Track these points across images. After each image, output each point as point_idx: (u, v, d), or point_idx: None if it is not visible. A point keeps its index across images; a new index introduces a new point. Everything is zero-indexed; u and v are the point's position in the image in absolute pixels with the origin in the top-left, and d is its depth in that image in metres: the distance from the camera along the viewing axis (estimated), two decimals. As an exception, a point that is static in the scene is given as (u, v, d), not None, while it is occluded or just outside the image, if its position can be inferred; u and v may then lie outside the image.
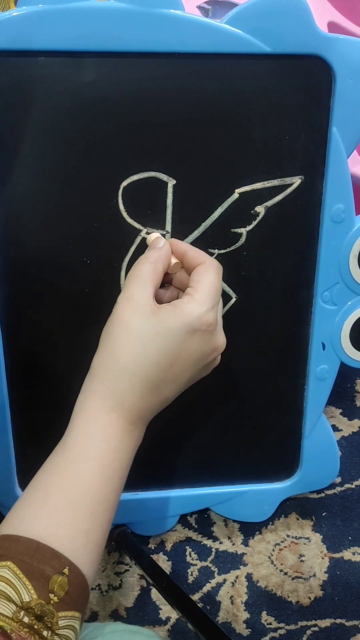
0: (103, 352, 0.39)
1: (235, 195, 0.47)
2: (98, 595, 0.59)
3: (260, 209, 0.47)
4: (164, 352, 0.38)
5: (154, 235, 0.44)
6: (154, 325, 0.38)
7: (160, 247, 0.42)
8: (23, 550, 0.32)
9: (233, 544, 0.62)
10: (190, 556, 0.61)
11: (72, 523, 0.34)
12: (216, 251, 0.48)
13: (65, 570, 0.32)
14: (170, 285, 0.44)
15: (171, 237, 0.47)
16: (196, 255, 0.42)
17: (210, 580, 0.60)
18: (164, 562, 0.61)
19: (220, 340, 0.41)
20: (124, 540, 0.58)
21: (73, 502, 0.34)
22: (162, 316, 0.38)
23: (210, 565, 0.61)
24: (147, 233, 0.47)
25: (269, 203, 0.47)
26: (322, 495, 0.64)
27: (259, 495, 0.58)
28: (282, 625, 0.59)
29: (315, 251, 0.49)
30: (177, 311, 0.38)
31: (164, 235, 0.47)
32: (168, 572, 0.60)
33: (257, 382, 0.54)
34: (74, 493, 0.34)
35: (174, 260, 0.43)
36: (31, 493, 0.35)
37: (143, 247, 0.47)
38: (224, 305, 0.50)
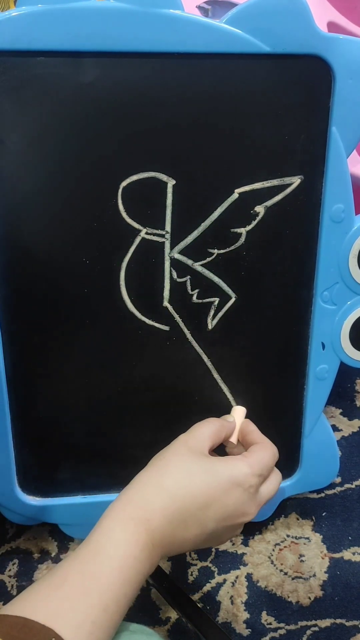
0: (150, 470, 0.42)
1: (235, 195, 0.47)
2: (98, 595, 0.59)
3: (260, 209, 0.47)
4: (204, 490, 0.40)
5: (237, 409, 0.51)
6: (204, 465, 0.41)
7: (229, 422, 0.49)
8: (11, 624, 0.32)
9: (233, 544, 0.62)
10: (190, 556, 0.61)
11: (82, 611, 0.34)
12: (216, 251, 0.48)
13: None
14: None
15: (171, 237, 0.47)
16: (260, 436, 0.48)
17: (210, 580, 0.60)
18: (164, 562, 0.61)
19: (252, 509, 0.43)
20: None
21: (88, 592, 0.34)
22: (214, 461, 0.42)
23: (210, 565, 0.61)
24: (147, 233, 0.47)
25: (269, 203, 0.47)
26: (322, 495, 0.64)
27: (258, 495, 0.58)
28: (282, 625, 0.59)
29: (314, 251, 0.49)
30: (229, 463, 0.42)
31: (163, 236, 0.47)
32: (168, 572, 0.60)
33: (257, 382, 0.54)
34: (91, 585, 0.35)
35: (235, 438, 0.48)
36: (49, 577, 0.36)
37: (143, 247, 0.47)
38: (223, 305, 0.50)
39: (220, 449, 0.47)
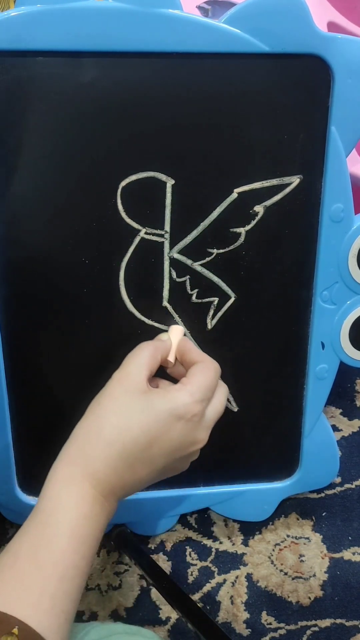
0: (87, 420, 0.40)
1: (234, 195, 0.47)
2: (97, 595, 0.59)
3: (259, 209, 0.47)
4: (145, 430, 0.39)
5: (174, 328, 0.48)
6: (141, 404, 0.39)
7: (164, 340, 0.46)
8: None
9: (233, 544, 0.62)
10: (190, 556, 0.61)
11: (38, 586, 0.33)
12: (215, 251, 0.48)
13: (15, 630, 0.31)
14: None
15: (170, 236, 0.47)
16: (198, 354, 0.45)
17: (210, 580, 0.60)
18: (164, 562, 0.61)
19: (202, 435, 0.42)
20: (124, 540, 0.58)
21: (41, 566, 0.34)
22: (151, 397, 0.40)
23: (210, 565, 0.61)
24: (147, 233, 0.47)
25: (268, 203, 0.47)
26: (322, 495, 0.64)
27: (258, 494, 0.58)
28: (282, 625, 0.59)
29: (314, 250, 0.49)
30: (167, 395, 0.40)
31: (162, 235, 0.47)
32: (168, 572, 0.60)
33: (257, 382, 0.54)
34: (43, 557, 0.34)
35: (172, 356, 0.46)
36: (2, 558, 0.35)
37: (142, 247, 0.47)
38: (223, 305, 0.50)
39: (161, 371, 0.46)
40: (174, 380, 0.46)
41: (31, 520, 0.36)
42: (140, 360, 0.42)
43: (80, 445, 0.39)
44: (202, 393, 0.41)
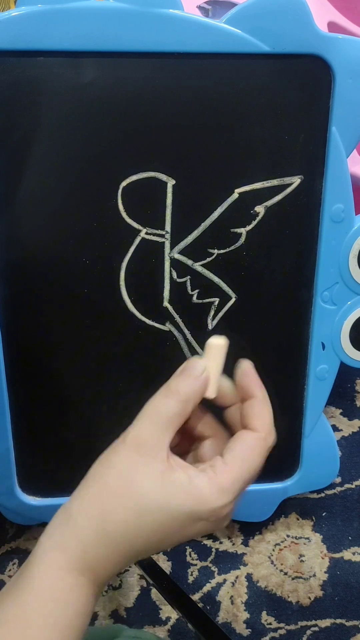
0: (89, 503, 0.32)
1: (235, 195, 0.47)
2: (98, 595, 0.59)
3: (260, 209, 0.47)
4: (158, 530, 0.31)
5: (213, 346, 0.34)
6: (159, 496, 0.31)
7: (198, 377, 0.33)
8: None
9: (233, 544, 0.62)
10: (190, 556, 0.61)
11: None
12: (216, 251, 0.48)
13: None
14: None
15: (170, 237, 0.47)
16: (259, 412, 0.34)
17: (210, 580, 0.60)
18: (164, 562, 0.61)
19: (222, 526, 0.33)
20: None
21: None
22: (171, 487, 0.31)
23: (210, 565, 0.61)
24: (147, 233, 0.47)
25: (269, 203, 0.47)
26: (322, 495, 0.64)
27: (258, 494, 0.58)
28: (282, 625, 0.59)
29: (314, 251, 0.49)
30: (192, 490, 0.31)
31: (163, 236, 0.47)
32: (168, 572, 0.60)
33: (257, 382, 0.54)
34: None
35: (212, 391, 0.34)
36: None
37: (143, 247, 0.47)
38: (223, 305, 0.50)
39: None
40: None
41: (11, 609, 0.30)
42: (163, 420, 0.32)
43: (80, 535, 0.31)
44: (237, 490, 0.32)
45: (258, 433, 0.33)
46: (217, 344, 0.34)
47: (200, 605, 0.59)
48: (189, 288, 0.49)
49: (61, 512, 0.32)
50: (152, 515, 0.31)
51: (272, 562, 0.61)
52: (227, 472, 0.31)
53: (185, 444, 0.36)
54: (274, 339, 0.52)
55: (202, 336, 0.51)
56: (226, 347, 0.34)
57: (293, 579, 0.60)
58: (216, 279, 0.49)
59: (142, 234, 0.46)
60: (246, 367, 0.35)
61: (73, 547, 0.31)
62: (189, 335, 0.50)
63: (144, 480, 0.31)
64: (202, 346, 0.51)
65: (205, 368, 0.34)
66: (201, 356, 0.34)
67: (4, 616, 0.30)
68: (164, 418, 0.32)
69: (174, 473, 0.31)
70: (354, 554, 0.61)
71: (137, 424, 0.33)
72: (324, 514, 0.63)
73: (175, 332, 0.50)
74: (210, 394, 0.34)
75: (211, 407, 0.35)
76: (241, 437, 0.33)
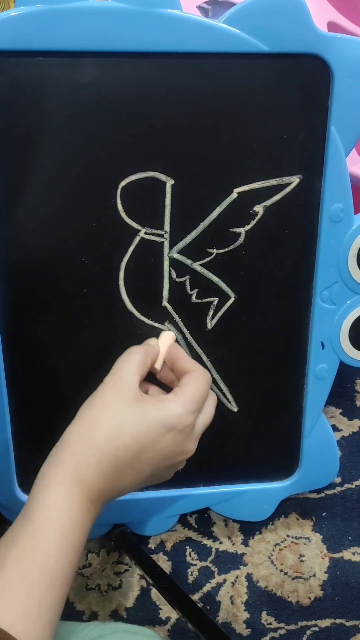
0: (79, 424, 0.40)
1: (234, 195, 0.47)
2: (98, 595, 0.59)
3: (259, 209, 0.47)
4: (137, 438, 0.39)
5: (164, 334, 0.48)
6: (134, 411, 0.39)
7: (153, 345, 0.46)
8: None
9: (233, 544, 0.62)
10: (190, 556, 0.61)
11: (26, 595, 0.33)
12: (215, 251, 0.48)
13: None
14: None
15: (170, 236, 0.47)
16: (190, 362, 0.46)
17: (210, 580, 0.60)
18: (164, 562, 0.61)
19: (190, 446, 0.42)
20: (124, 540, 0.58)
21: (29, 573, 0.33)
22: (144, 405, 0.40)
23: (210, 565, 0.61)
24: (146, 233, 0.47)
25: (268, 202, 0.47)
26: (322, 495, 0.64)
27: (258, 494, 0.58)
28: (282, 625, 0.59)
29: (314, 250, 0.49)
30: (160, 405, 0.40)
31: (162, 235, 0.47)
32: (168, 572, 0.60)
33: (256, 382, 0.54)
34: (31, 565, 0.34)
35: (159, 363, 0.46)
36: None
37: (142, 247, 0.47)
38: (222, 305, 0.50)
39: (149, 375, 0.45)
40: (162, 385, 0.47)
41: (18, 525, 0.36)
42: (131, 365, 0.42)
43: (71, 449, 0.38)
44: (194, 404, 0.42)
45: (198, 370, 0.44)
46: (169, 334, 0.49)
47: (200, 605, 0.59)
48: (188, 288, 0.49)
49: (57, 444, 0.40)
50: (130, 424, 0.39)
51: (272, 562, 0.61)
52: (185, 391, 0.42)
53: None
54: (273, 339, 0.52)
55: (201, 336, 0.51)
56: (174, 338, 0.48)
57: (293, 579, 0.60)
58: (215, 279, 0.49)
59: (141, 234, 0.47)
60: (174, 343, 0.48)
61: (65, 460, 0.38)
62: (188, 335, 0.50)
63: (122, 403, 0.40)
64: (201, 346, 0.51)
65: (157, 343, 0.47)
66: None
67: (12, 531, 0.35)
68: (132, 363, 0.42)
69: (144, 398, 0.41)
70: (354, 554, 0.61)
71: (112, 372, 0.42)
72: (324, 514, 0.63)
73: (175, 332, 0.50)
74: (158, 366, 0.46)
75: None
76: (187, 375, 0.44)
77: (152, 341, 0.47)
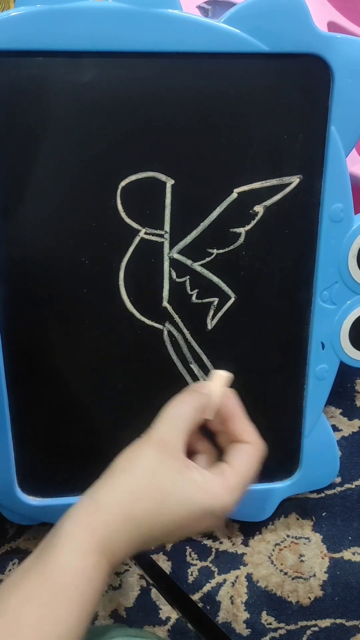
0: (116, 491, 0.36)
1: (234, 195, 0.47)
2: (98, 595, 0.59)
3: (259, 209, 0.47)
4: (174, 520, 0.36)
5: (217, 377, 0.43)
6: (178, 491, 0.36)
7: (207, 394, 0.41)
8: None
9: (233, 544, 0.62)
10: (190, 556, 0.61)
11: None
12: (215, 251, 0.48)
13: None
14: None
15: (170, 237, 0.47)
16: (246, 429, 0.41)
17: (210, 580, 0.60)
18: (164, 562, 0.61)
19: (220, 523, 0.42)
20: (124, 540, 0.58)
21: (44, 638, 0.32)
22: (190, 486, 0.37)
23: (210, 565, 0.61)
24: (146, 233, 0.47)
25: (268, 202, 0.47)
26: (322, 495, 0.64)
27: (258, 494, 0.58)
28: (282, 625, 0.59)
29: (314, 250, 0.49)
30: (207, 489, 0.37)
31: (162, 236, 0.47)
32: (168, 572, 0.60)
33: (256, 382, 0.54)
34: (48, 630, 0.32)
35: (212, 414, 0.41)
36: (2, 620, 0.32)
37: (142, 247, 0.47)
38: (223, 305, 0.50)
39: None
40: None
41: (35, 584, 0.33)
42: (179, 424, 0.38)
43: (106, 518, 0.35)
44: (243, 489, 0.38)
45: (253, 444, 0.40)
46: (222, 374, 0.43)
47: (200, 605, 0.58)
48: (188, 288, 0.49)
49: (86, 499, 0.36)
50: (172, 507, 0.36)
51: (272, 562, 0.61)
52: (234, 475, 0.38)
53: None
54: (274, 339, 0.52)
55: (201, 336, 0.51)
56: (229, 380, 0.43)
57: (293, 579, 0.60)
58: (215, 279, 0.49)
59: (142, 234, 0.47)
60: (226, 391, 0.42)
61: (100, 529, 0.35)
62: (188, 335, 0.50)
63: (166, 475, 0.36)
64: (201, 346, 0.51)
65: (210, 390, 0.41)
66: (206, 381, 0.43)
67: (30, 590, 0.32)
68: (182, 421, 0.38)
69: (191, 472, 0.37)
70: (354, 554, 0.61)
71: (159, 426, 0.38)
72: (324, 514, 0.63)
73: (175, 332, 0.50)
74: (209, 415, 0.41)
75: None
76: (241, 448, 0.40)
77: (204, 389, 0.42)
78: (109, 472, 0.37)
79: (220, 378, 0.43)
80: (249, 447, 0.40)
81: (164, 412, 0.39)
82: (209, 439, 0.43)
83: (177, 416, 0.39)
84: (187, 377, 0.52)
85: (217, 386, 0.42)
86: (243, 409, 0.42)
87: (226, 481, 0.38)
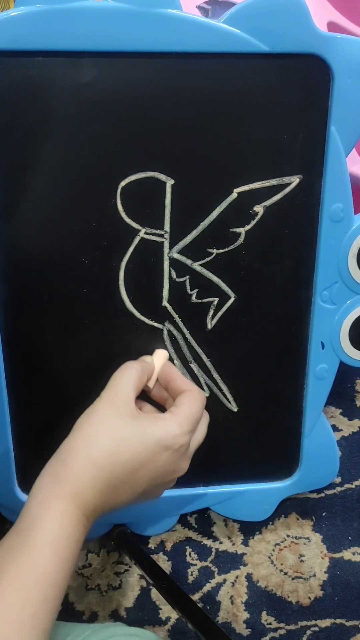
0: (76, 440, 0.40)
1: (234, 195, 0.47)
2: (98, 595, 0.59)
3: (259, 209, 0.47)
4: (133, 456, 0.39)
5: (158, 352, 0.49)
6: (131, 429, 0.40)
7: (148, 363, 0.47)
8: None
9: (233, 544, 0.62)
10: (190, 556, 0.61)
11: (21, 607, 0.33)
12: (215, 251, 0.48)
13: None
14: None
15: (170, 236, 0.47)
16: (185, 382, 0.46)
17: (210, 580, 0.60)
18: (164, 562, 0.61)
19: (183, 465, 0.44)
20: (124, 540, 0.58)
21: (25, 587, 0.34)
22: (141, 423, 0.41)
23: (210, 565, 0.61)
24: (146, 233, 0.47)
25: (268, 202, 0.47)
26: (322, 495, 0.64)
27: (258, 494, 0.58)
28: (282, 625, 0.59)
29: (314, 250, 0.49)
30: (157, 424, 0.41)
31: (162, 235, 0.47)
32: (168, 572, 0.60)
33: (257, 382, 0.54)
34: (28, 579, 0.34)
35: (153, 382, 0.47)
36: None
37: (142, 247, 0.47)
38: (223, 305, 0.50)
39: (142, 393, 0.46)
40: (154, 404, 0.48)
41: (14, 538, 0.36)
42: (128, 381, 0.43)
43: (68, 464, 0.39)
44: (189, 424, 0.42)
45: (194, 390, 0.45)
46: (163, 352, 0.49)
47: (200, 605, 0.59)
48: (188, 288, 0.49)
49: (53, 457, 0.40)
50: (128, 442, 0.39)
51: (272, 562, 0.61)
52: (181, 411, 0.43)
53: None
54: (273, 339, 0.52)
55: (201, 336, 0.51)
56: (167, 357, 0.49)
57: (293, 579, 0.60)
58: (215, 279, 0.49)
59: (141, 234, 0.47)
60: (166, 362, 0.49)
61: (60, 475, 0.38)
62: (188, 335, 0.50)
63: (120, 420, 0.40)
64: (201, 346, 0.51)
65: (152, 361, 0.48)
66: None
67: (8, 546, 0.36)
68: (130, 379, 0.43)
69: (141, 415, 0.42)
70: (354, 554, 0.61)
71: (108, 386, 0.43)
72: (324, 514, 0.63)
73: (175, 332, 0.50)
74: (151, 384, 0.47)
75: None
76: (184, 394, 0.45)
77: (147, 358, 0.48)
78: (71, 432, 0.41)
79: (161, 354, 0.49)
80: (190, 392, 0.45)
81: (113, 375, 0.43)
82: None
83: (124, 376, 0.43)
84: (187, 377, 0.52)
85: (157, 359, 0.48)
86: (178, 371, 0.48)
87: (174, 417, 0.42)
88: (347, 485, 0.64)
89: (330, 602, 0.59)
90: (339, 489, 0.64)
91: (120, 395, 0.42)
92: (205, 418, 0.47)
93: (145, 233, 0.47)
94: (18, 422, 0.51)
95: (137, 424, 0.41)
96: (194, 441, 0.44)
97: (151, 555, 0.59)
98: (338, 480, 0.64)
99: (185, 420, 0.42)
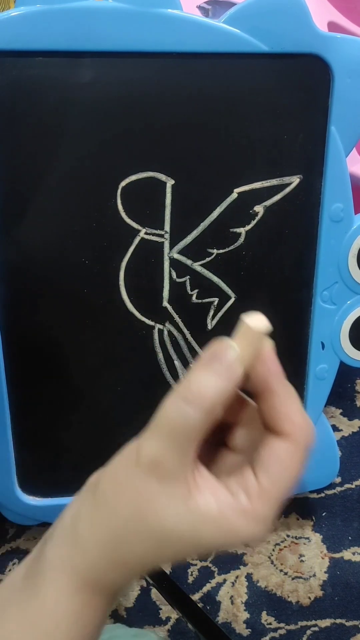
0: (101, 531, 0.28)
1: (234, 195, 0.47)
2: (98, 595, 0.59)
3: (259, 209, 0.47)
4: (181, 557, 0.28)
5: (254, 325, 0.27)
6: (183, 528, 0.26)
7: (228, 370, 0.27)
8: None
9: (233, 544, 0.62)
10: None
11: None
12: (215, 251, 0.48)
13: None
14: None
15: (170, 236, 0.47)
16: (285, 411, 0.28)
17: (210, 580, 0.60)
18: (164, 562, 0.61)
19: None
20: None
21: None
22: (199, 519, 0.26)
23: (210, 565, 0.61)
24: (146, 233, 0.47)
25: (268, 202, 0.47)
26: (322, 495, 0.64)
27: (258, 495, 0.58)
28: (282, 625, 0.59)
29: (314, 250, 0.49)
30: (223, 525, 0.26)
31: (162, 236, 0.47)
32: (168, 572, 0.60)
33: (257, 382, 0.54)
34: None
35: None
36: None
37: (142, 247, 0.47)
38: (223, 305, 0.50)
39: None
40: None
41: (27, 625, 0.28)
42: (181, 438, 0.26)
43: (92, 562, 0.28)
44: (274, 512, 0.27)
45: (291, 441, 0.28)
46: (256, 329, 0.26)
47: (200, 605, 0.59)
48: (188, 288, 0.49)
49: (69, 530, 0.29)
50: (175, 547, 0.27)
51: (272, 562, 0.61)
52: (263, 498, 0.27)
53: (212, 432, 0.28)
54: (274, 339, 0.52)
55: (201, 336, 0.51)
56: (266, 334, 0.27)
57: (293, 579, 0.60)
58: (215, 279, 0.49)
59: (142, 234, 0.47)
60: (266, 351, 0.28)
61: (84, 571, 0.28)
62: (188, 335, 0.50)
63: (163, 511, 0.26)
64: (202, 346, 0.51)
65: (238, 357, 0.26)
66: (232, 339, 0.26)
67: (12, 627, 0.28)
68: (185, 433, 0.26)
69: (200, 499, 0.26)
70: (354, 554, 0.61)
71: (151, 440, 0.27)
72: (324, 514, 0.63)
73: (175, 332, 0.50)
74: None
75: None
76: (273, 449, 0.28)
77: (227, 355, 0.27)
78: (92, 497, 0.29)
79: (252, 336, 0.27)
80: (285, 449, 0.28)
81: (158, 414, 0.27)
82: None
83: (176, 424, 0.26)
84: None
85: (247, 348, 0.27)
86: (284, 376, 0.29)
87: (251, 509, 0.27)
88: (347, 485, 0.64)
89: (330, 602, 0.60)
90: (339, 489, 0.64)
91: (167, 464, 0.26)
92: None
93: (146, 233, 0.47)
94: (18, 423, 0.51)
95: (191, 520, 0.26)
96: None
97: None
98: (338, 480, 0.64)
99: (267, 513, 0.27)
